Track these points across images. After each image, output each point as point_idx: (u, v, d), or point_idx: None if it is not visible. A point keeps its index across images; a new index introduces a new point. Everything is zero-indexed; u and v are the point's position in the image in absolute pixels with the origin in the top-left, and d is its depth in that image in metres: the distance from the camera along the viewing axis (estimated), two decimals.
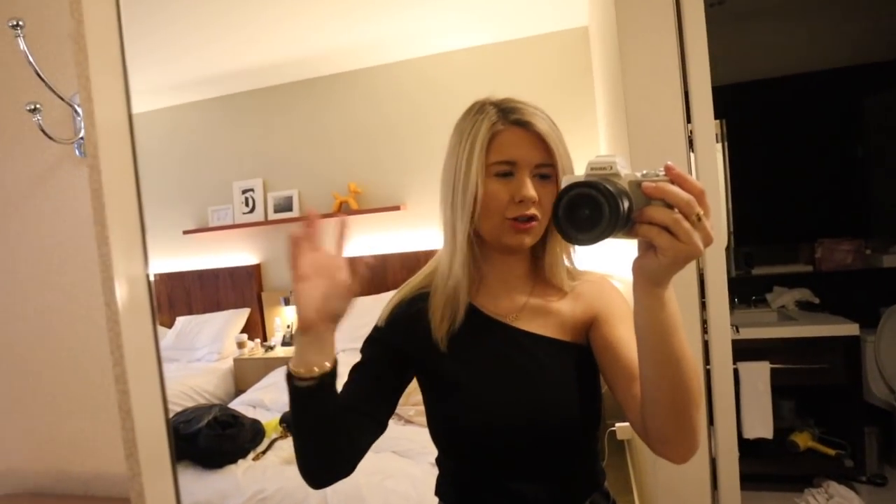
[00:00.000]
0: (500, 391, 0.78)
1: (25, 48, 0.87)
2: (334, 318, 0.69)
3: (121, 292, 0.76)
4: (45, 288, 1.02)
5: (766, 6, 2.66)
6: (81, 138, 0.95)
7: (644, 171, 0.57)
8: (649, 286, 0.59)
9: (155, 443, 0.79)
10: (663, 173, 0.55)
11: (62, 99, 0.93)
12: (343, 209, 3.57)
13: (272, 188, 3.82)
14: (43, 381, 1.06)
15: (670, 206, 0.54)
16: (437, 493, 0.89)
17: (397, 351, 0.84)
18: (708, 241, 0.54)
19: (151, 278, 0.82)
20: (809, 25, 2.76)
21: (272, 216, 3.76)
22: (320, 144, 3.70)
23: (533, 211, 0.76)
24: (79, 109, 0.94)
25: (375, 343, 0.86)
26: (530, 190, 0.75)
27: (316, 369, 0.69)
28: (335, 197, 3.57)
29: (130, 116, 0.86)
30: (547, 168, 0.77)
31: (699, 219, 0.54)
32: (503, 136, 0.77)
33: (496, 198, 0.76)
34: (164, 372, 0.81)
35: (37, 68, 0.88)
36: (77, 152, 0.97)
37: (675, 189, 0.54)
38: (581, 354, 0.81)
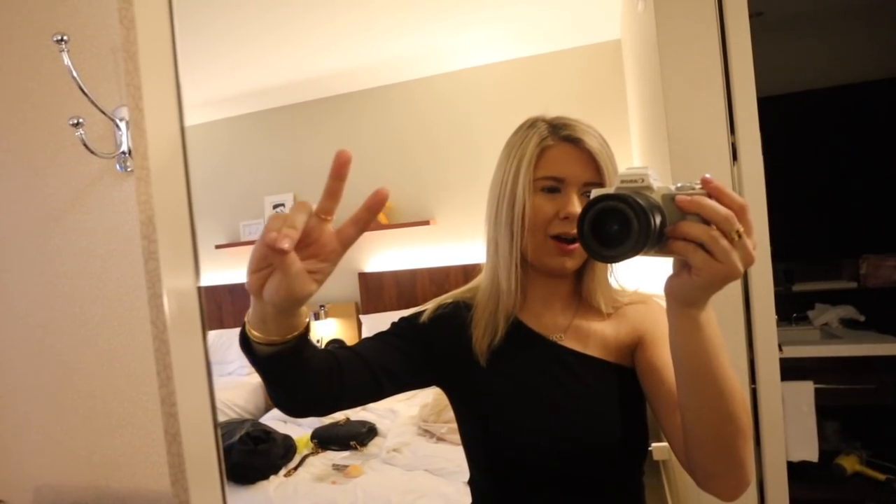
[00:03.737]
0: (543, 409, 0.75)
1: (69, 63, 0.87)
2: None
3: (169, 308, 0.74)
4: (86, 302, 1.02)
5: (804, 17, 2.62)
6: (122, 152, 0.95)
7: (679, 184, 0.52)
8: (683, 308, 0.55)
9: (204, 463, 0.76)
10: (700, 186, 0.51)
11: (104, 113, 0.93)
12: (373, 223, 3.58)
13: None
14: (84, 397, 1.05)
15: (707, 222, 0.50)
16: None
17: (429, 352, 0.79)
18: (748, 261, 0.49)
19: (201, 293, 0.80)
20: (848, 37, 2.71)
21: None
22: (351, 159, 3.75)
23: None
24: (120, 124, 0.94)
25: (412, 329, 0.81)
26: (577, 206, 0.73)
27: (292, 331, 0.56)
28: None
29: (183, 127, 0.86)
30: (595, 187, 0.74)
31: (739, 236, 0.49)
32: (552, 152, 0.75)
33: (541, 212, 0.74)
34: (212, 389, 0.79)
35: (80, 83, 0.88)
36: (118, 167, 0.97)
37: (713, 203, 0.49)
38: (626, 376, 0.77)
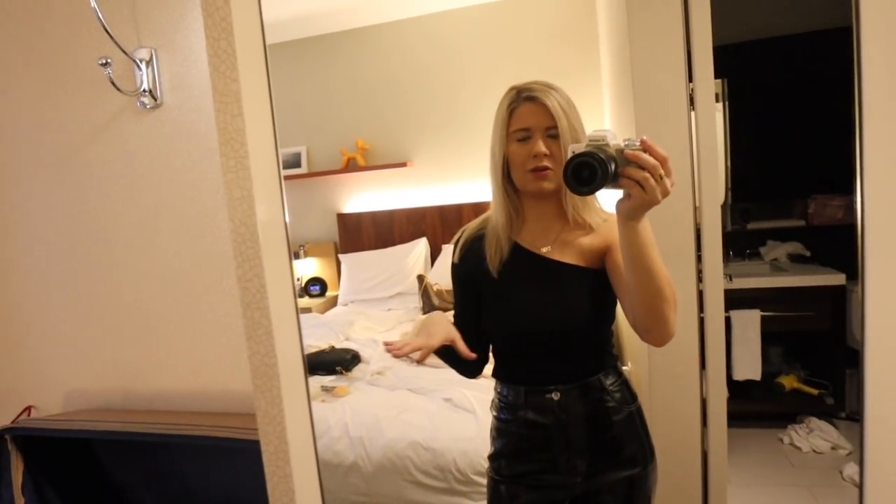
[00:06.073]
0: (534, 305, 1.09)
1: (95, 5, 0.96)
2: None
3: (260, 221, 0.80)
4: (111, 227, 1.17)
5: None
6: (143, 91, 1.05)
7: (627, 141, 0.82)
8: (626, 220, 0.87)
9: (291, 360, 0.86)
10: (639, 143, 0.81)
11: (125, 53, 1.03)
12: (350, 165, 3.63)
13: (280, 145, 3.83)
14: (110, 309, 1.19)
15: (642, 168, 0.79)
16: (494, 374, 1.20)
17: (467, 280, 1.17)
18: (665, 193, 0.81)
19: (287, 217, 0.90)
20: None
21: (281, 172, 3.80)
22: (328, 101, 3.73)
23: (545, 163, 1.04)
24: (140, 64, 1.04)
25: (457, 279, 1.21)
26: (541, 147, 1.04)
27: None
28: (343, 153, 3.64)
29: (263, 28, 0.85)
30: (554, 130, 1.04)
31: (661, 178, 0.80)
32: (519, 110, 1.06)
33: (518, 155, 1.06)
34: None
35: (105, 24, 0.97)
36: (138, 104, 1.08)
37: (646, 156, 0.80)
38: (594, 276, 1.09)
